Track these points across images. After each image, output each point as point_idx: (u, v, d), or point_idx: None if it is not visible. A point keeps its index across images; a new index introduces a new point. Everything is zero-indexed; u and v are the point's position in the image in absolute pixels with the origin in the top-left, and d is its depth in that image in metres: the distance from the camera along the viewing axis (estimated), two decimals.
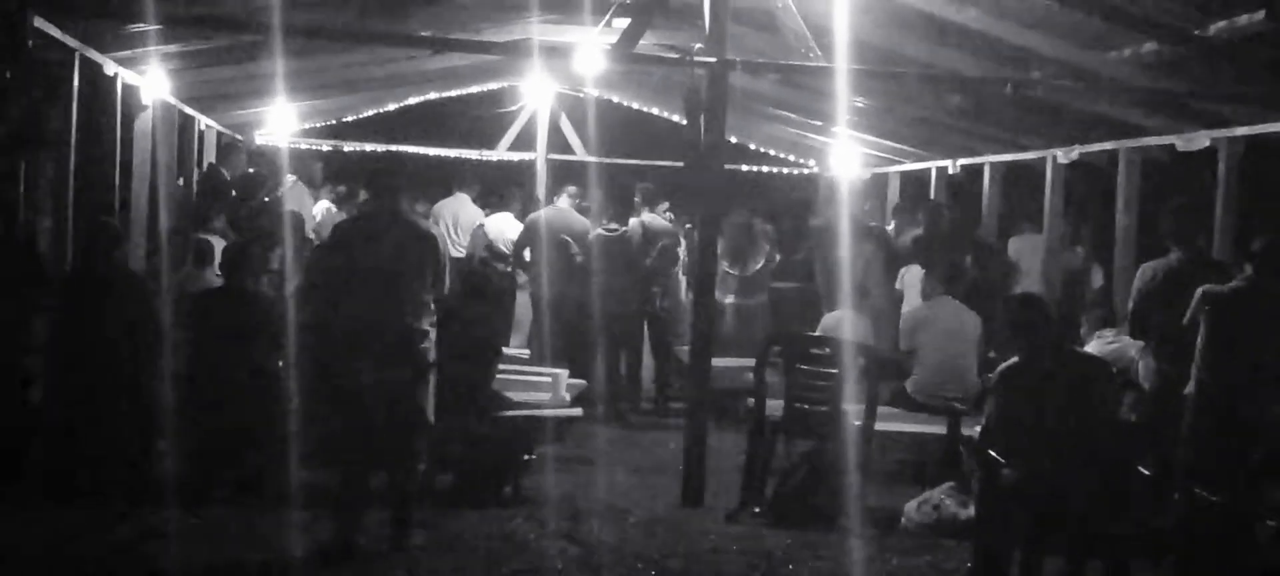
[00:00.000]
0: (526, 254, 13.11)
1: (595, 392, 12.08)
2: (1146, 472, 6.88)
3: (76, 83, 9.78)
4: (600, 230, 12.93)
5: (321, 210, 14.37)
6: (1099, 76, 9.93)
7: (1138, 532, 6.86)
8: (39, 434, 8.60)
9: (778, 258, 14.12)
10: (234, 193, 13.26)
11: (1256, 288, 7.63)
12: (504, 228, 14.10)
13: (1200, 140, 10.62)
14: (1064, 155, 12.84)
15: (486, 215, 14.69)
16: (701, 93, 9.19)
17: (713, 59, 9.10)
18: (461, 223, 14.56)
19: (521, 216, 14.27)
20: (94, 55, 10.13)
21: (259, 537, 7.77)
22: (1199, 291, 7.71)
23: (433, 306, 7.69)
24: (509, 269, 13.47)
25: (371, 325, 7.54)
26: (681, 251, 13.61)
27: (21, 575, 6.92)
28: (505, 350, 11.27)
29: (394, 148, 17.20)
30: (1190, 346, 7.74)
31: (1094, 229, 14.07)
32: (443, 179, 15.87)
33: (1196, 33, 8.59)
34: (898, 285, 12.56)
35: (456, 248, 14.00)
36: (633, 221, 13.36)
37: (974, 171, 15.25)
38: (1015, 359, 6.99)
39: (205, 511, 8.15)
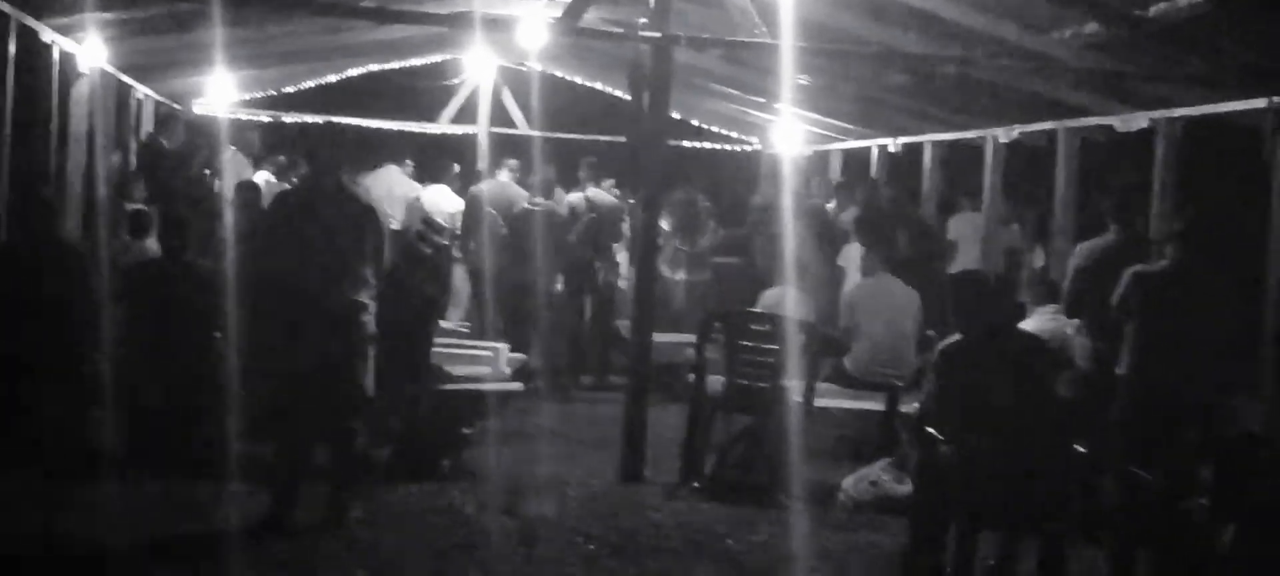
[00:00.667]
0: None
1: (535, 367, 12.07)
2: (1082, 450, 6.94)
3: (12, 49, 9.66)
4: (525, 204, 12.90)
5: (262, 181, 14.25)
6: (1040, 56, 9.99)
7: (1073, 510, 6.93)
8: None
9: (721, 233, 14.16)
10: (170, 163, 13.14)
11: (1181, 266, 7.71)
12: (439, 200, 14.05)
13: (1139, 121, 10.71)
14: (1004, 134, 12.93)
15: (422, 188, 14.63)
16: (645, 68, 9.18)
17: (657, 34, 9.09)
18: (395, 195, 14.39)
19: (458, 189, 14.23)
20: (30, 21, 9.99)
21: (196, 510, 7.72)
22: (1128, 271, 7.79)
23: (372, 279, 7.64)
24: (445, 241, 13.41)
25: (310, 297, 7.46)
26: (625, 227, 13.61)
27: None
28: (445, 324, 11.26)
29: (334, 119, 17.08)
30: (1121, 326, 7.82)
31: (1032, 208, 14.21)
32: (372, 150, 15.71)
33: (1138, 13, 8.65)
34: (840, 261, 12.63)
35: (392, 221, 13.89)
36: (575, 194, 13.36)
37: (915, 150, 15.34)
38: (956, 336, 7.02)
39: (142, 483, 8.06)
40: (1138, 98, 10.63)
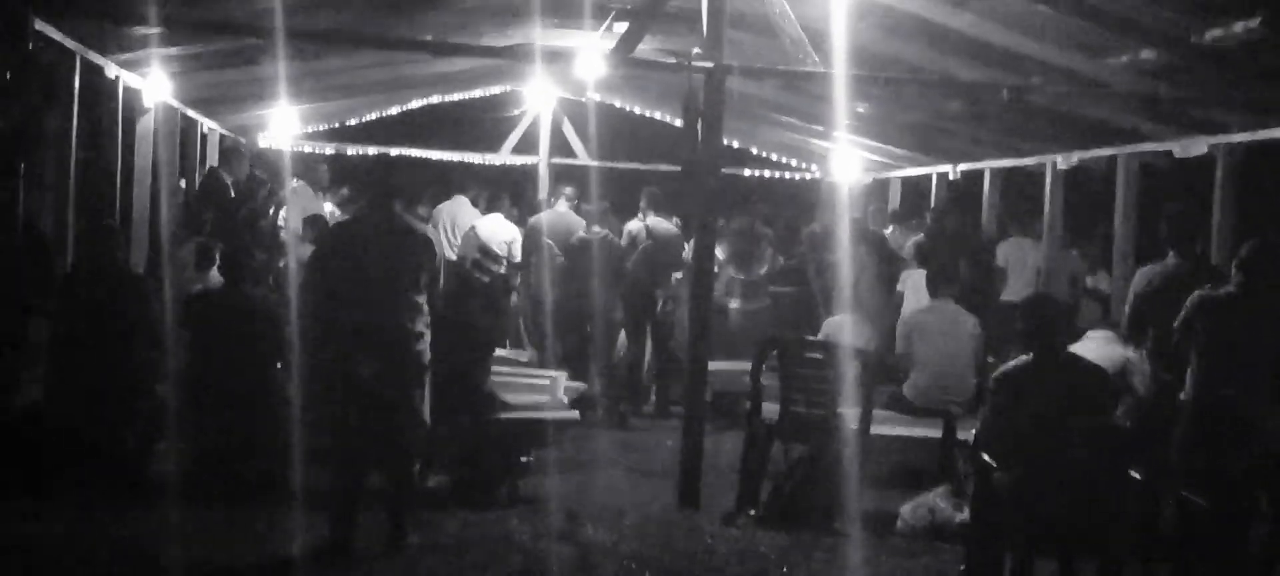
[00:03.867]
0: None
1: (594, 396, 12.11)
2: (1138, 477, 6.90)
3: (77, 85, 9.83)
4: (582, 233, 12.98)
5: (326, 214, 14.40)
6: (1096, 83, 9.95)
7: (1130, 537, 6.88)
8: (39, 433, 8.63)
9: (780, 261, 14.15)
10: (233, 196, 13.30)
11: (1247, 293, 7.63)
12: (495, 229, 14.13)
13: (1198, 146, 10.65)
14: (1063, 161, 12.87)
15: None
16: (699, 97, 9.22)
17: (710, 64, 9.12)
18: (459, 224, 14.57)
19: (513, 219, 14.33)
20: (95, 57, 10.18)
21: (257, 537, 7.80)
22: (1193, 296, 7.72)
23: (427, 308, 7.72)
24: (501, 270, 13.48)
25: (366, 326, 7.56)
26: (686, 255, 13.63)
27: (22, 573, 6.94)
28: (504, 352, 11.32)
29: (398, 151, 17.25)
30: (1184, 351, 7.75)
31: (1094, 234, 14.12)
32: (443, 182, 15.87)
33: (1193, 40, 8.61)
34: (899, 286, 12.59)
35: (452, 249, 14.03)
36: (635, 224, 13.41)
37: (974, 176, 15.29)
38: (1020, 360, 6.96)
39: (204, 511, 8.17)
40: (1196, 123, 10.56)
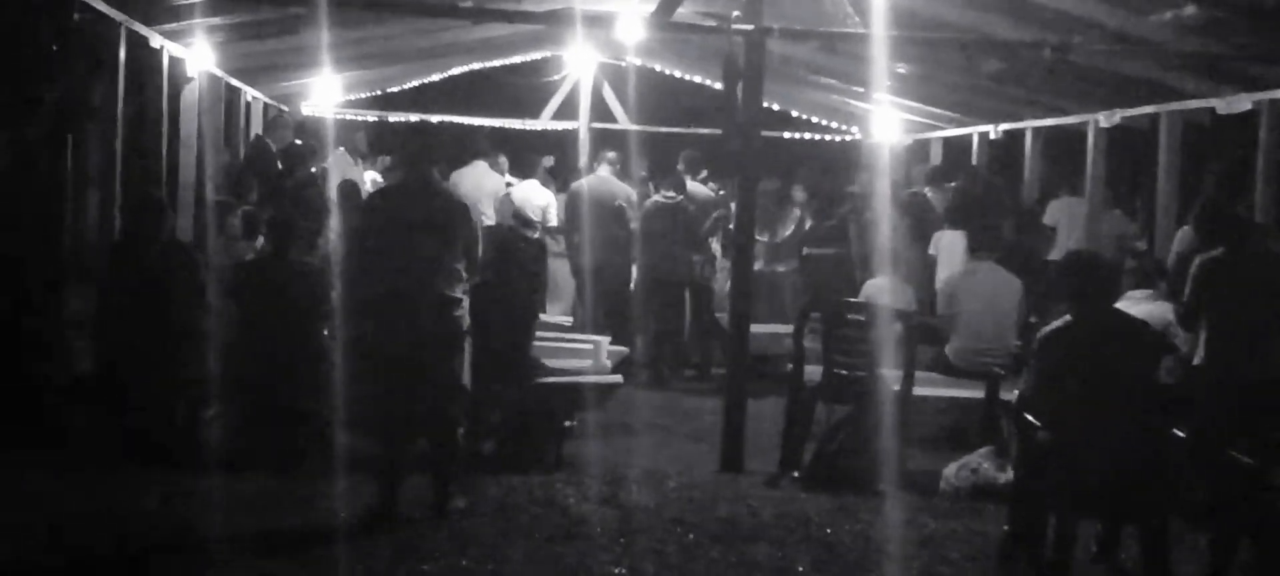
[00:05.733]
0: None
1: (636, 360, 12.14)
2: (1182, 436, 6.89)
3: (122, 55, 9.91)
4: (659, 198, 13.02)
5: (369, 181, 14.47)
6: (1139, 39, 9.89)
7: (1174, 497, 6.87)
8: (86, 402, 8.74)
9: (808, 224, 14.12)
10: (279, 165, 13.39)
11: (1236, 253, 7.66)
12: (530, 194, 14.13)
13: (1241, 103, 10.57)
14: (1106, 119, 12.80)
15: (510, 185, 14.76)
16: (739, 60, 9.22)
17: (750, 26, 9.12)
18: (485, 191, 14.46)
19: (548, 184, 14.34)
20: (140, 28, 10.25)
21: (303, 503, 7.88)
22: (1196, 260, 7.74)
23: (464, 274, 7.75)
24: (536, 235, 13.49)
25: (404, 293, 7.61)
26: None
27: (72, 540, 7.05)
28: (546, 318, 11.37)
29: (438, 118, 17.28)
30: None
31: (1139, 192, 14.04)
32: (464, 148, 15.83)
33: None
34: (931, 249, 12.57)
35: (485, 217, 13.98)
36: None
37: (1016, 136, 15.22)
38: (1064, 319, 6.93)
39: (251, 478, 8.27)
40: (1240, 79, 10.48)
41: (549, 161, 13.87)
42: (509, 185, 14.68)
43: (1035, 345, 7.03)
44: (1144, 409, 6.73)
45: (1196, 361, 7.77)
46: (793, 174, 14.88)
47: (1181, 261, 8.58)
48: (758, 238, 13.26)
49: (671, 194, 13.03)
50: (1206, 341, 7.73)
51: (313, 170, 13.26)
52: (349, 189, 11.88)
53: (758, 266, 13.25)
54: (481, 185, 14.48)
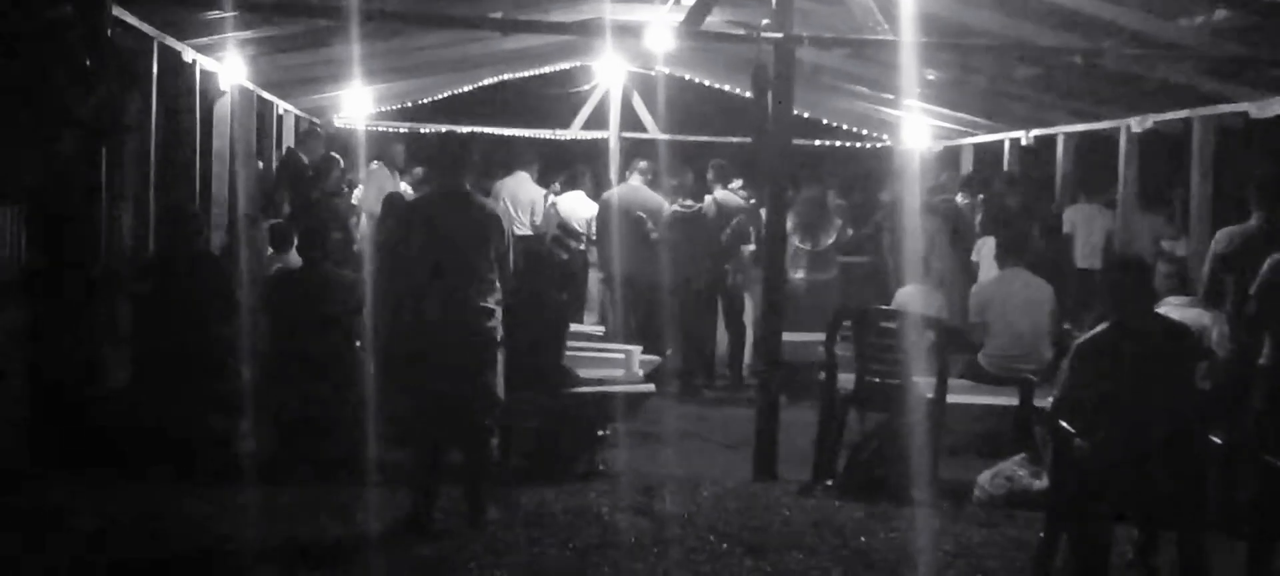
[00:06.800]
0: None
1: (668, 369, 12.14)
2: (1219, 442, 6.84)
3: (155, 69, 9.98)
4: (677, 206, 13.02)
5: (404, 193, 14.50)
6: (1170, 45, 9.84)
7: (1211, 503, 6.82)
8: (121, 414, 8.78)
9: (850, 232, 14.10)
10: (310, 176, 13.45)
11: None
12: (576, 206, 14.18)
13: (1274, 106, 10.51)
14: (1138, 124, 12.75)
15: (556, 193, 14.77)
16: (769, 68, 9.21)
17: (779, 34, 9.12)
18: (521, 201, 14.50)
19: (593, 195, 14.34)
20: (172, 42, 10.32)
21: (338, 513, 7.89)
22: (1270, 259, 7.63)
23: (498, 284, 7.76)
24: (581, 246, 13.53)
25: (438, 303, 7.61)
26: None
27: (110, 552, 7.08)
28: (578, 327, 11.38)
29: (465, 129, 17.27)
30: (1263, 316, 7.67)
31: (1174, 197, 13.96)
32: (503, 158, 15.88)
33: None
34: (974, 257, 12.54)
35: (519, 226, 13.99)
36: (706, 198, 13.42)
37: (1047, 142, 15.16)
38: (1102, 326, 6.89)
39: (285, 488, 8.29)
40: (1273, 83, 10.42)
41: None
42: (556, 194, 14.70)
43: (1072, 352, 6.99)
44: (1179, 414, 6.70)
45: (1261, 362, 7.64)
46: (826, 182, 14.83)
47: (1218, 262, 8.50)
48: (800, 246, 13.27)
49: (689, 203, 13.03)
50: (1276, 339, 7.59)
51: (343, 182, 13.30)
52: (396, 200, 11.87)
53: (800, 275, 13.24)
54: (518, 195, 14.52)
